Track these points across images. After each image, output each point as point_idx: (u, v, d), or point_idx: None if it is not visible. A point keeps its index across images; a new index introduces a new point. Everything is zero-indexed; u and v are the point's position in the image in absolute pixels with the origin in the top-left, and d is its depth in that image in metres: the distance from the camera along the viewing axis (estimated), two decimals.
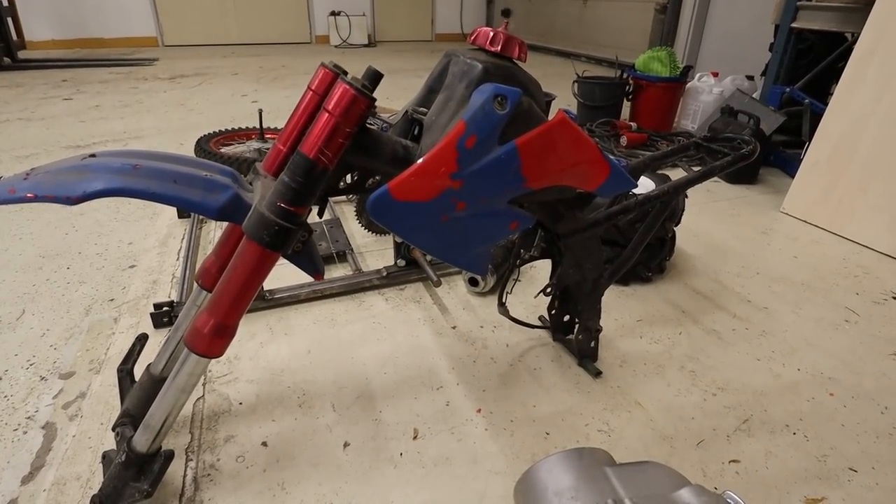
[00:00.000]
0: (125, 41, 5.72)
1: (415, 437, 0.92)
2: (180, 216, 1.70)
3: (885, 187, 1.62)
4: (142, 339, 0.90)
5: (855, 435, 0.95)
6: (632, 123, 2.68)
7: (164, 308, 1.17)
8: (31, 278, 1.35)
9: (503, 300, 1.08)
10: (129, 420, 0.83)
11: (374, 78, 0.64)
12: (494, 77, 0.70)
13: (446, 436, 0.92)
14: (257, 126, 2.20)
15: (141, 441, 0.71)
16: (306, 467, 0.86)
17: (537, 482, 0.65)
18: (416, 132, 0.77)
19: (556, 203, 0.86)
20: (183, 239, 1.57)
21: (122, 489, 0.71)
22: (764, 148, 2.19)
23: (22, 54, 4.41)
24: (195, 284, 0.82)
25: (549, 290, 1.01)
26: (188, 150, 2.20)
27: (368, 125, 0.71)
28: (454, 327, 1.21)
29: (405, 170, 0.69)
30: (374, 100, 0.63)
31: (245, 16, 6.21)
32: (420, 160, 0.64)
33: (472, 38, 0.75)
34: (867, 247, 1.65)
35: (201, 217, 1.65)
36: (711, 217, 1.86)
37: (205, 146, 2.01)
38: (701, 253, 1.60)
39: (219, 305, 0.65)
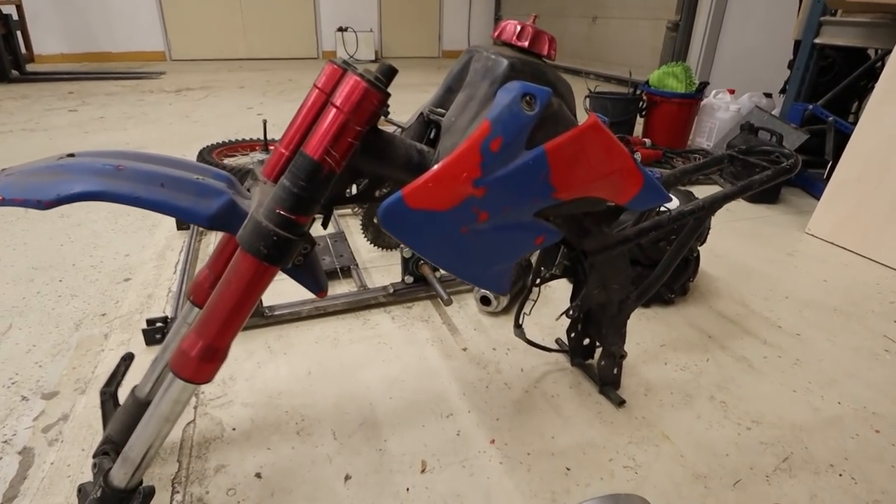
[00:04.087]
0: (133, 55, 5.77)
1: (422, 471, 0.84)
2: (179, 228, 1.64)
3: None
4: (127, 359, 0.82)
5: None
6: (646, 140, 2.62)
7: (158, 324, 1.10)
8: (22, 291, 1.29)
9: (520, 322, 1.00)
10: (111, 447, 0.76)
11: (389, 73, 0.58)
12: (522, 74, 0.64)
13: (457, 469, 0.84)
14: (261, 137, 2.15)
15: (119, 475, 0.63)
16: (303, 503, 0.77)
17: None
18: (432, 135, 0.70)
19: (582, 217, 0.79)
20: (181, 251, 1.50)
21: None
22: None
23: (30, 67, 4.42)
24: (187, 301, 0.75)
25: (571, 311, 0.93)
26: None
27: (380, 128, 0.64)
28: (465, 349, 1.14)
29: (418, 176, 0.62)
30: (389, 95, 0.57)
31: (253, 31, 6.25)
32: (438, 164, 0.58)
33: (497, 32, 0.69)
34: None
35: (202, 229, 1.59)
36: (733, 237, 1.78)
37: (207, 157, 1.96)
38: (724, 274, 1.52)
39: (209, 325, 0.58)
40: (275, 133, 2.41)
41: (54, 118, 3.03)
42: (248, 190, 0.69)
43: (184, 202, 0.57)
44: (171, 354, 0.60)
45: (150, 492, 0.64)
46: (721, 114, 2.72)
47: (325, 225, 0.72)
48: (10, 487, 0.77)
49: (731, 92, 2.76)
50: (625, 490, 0.81)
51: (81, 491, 0.69)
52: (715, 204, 0.90)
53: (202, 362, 0.59)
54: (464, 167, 0.57)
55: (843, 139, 1.87)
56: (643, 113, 2.79)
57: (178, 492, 0.78)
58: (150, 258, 1.47)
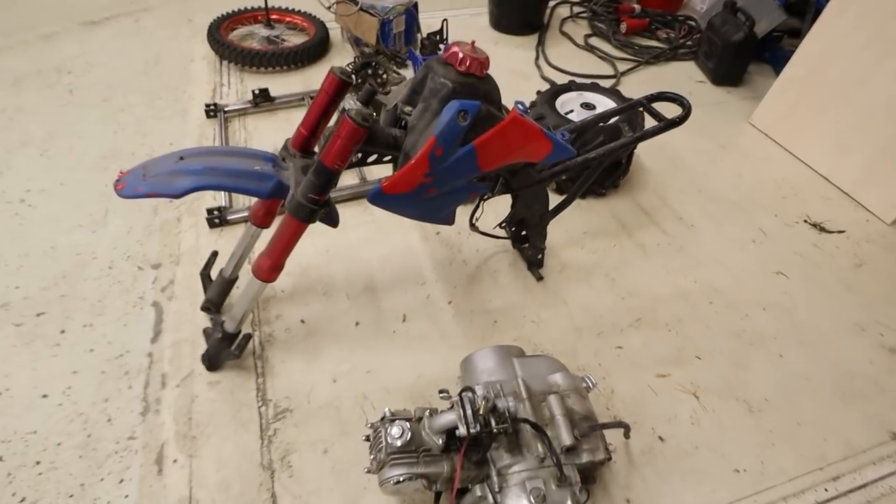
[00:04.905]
0: None
1: (404, 320, 1.33)
2: (208, 116, 1.93)
3: (837, 115, 1.81)
4: (215, 254, 1.27)
5: (713, 334, 1.35)
6: (636, 6, 2.67)
7: (215, 211, 1.52)
8: (102, 178, 1.68)
9: (473, 221, 1.40)
10: (211, 304, 1.25)
11: (369, 99, 0.90)
12: (460, 94, 0.94)
13: (425, 320, 1.34)
14: (261, 6, 2.28)
15: (230, 325, 1.12)
16: (331, 338, 1.28)
17: (473, 362, 1.06)
18: (402, 125, 1.02)
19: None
20: (214, 139, 1.84)
21: (219, 353, 1.14)
22: (760, 43, 2.28)
23: None
24: (248, 223, 1.16)
25: (504, 223, 1.34)
26: (199, 31, 2.32)
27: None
28: (438, 233, 1.56)
29: (395, 152, 0.98)
30: (371, 126, 0.90)
31: None
32: (402, 168, 0.93)
33: (446, 55, 0.97)
34: (810, 166, 1.90)
35: (226, 122, 1.90)
36: (681, 128, 2.06)
37: (217, 36, 2.15)
38: (657, 167, 1.86)
39: (272, 254, 1.00)
40: None
41: None
42: (283, 159, 1.05)
43: (252, 186, 0.95)
44: (253, 266, 1.03)
45: (249, 335, 1.14)
46: None
47: None
48: (155, 326, 1.28)
49: None
50: (526, 336, 1.31)
51: (205, 332, 1.19)
52: (610, 153, 1.23)
53: (270, 272, 1.02)
54: (418, 169, 0.92)
55: None
56: None
57: (257, 330, 1.28)
58: (191, 146, 1.82)
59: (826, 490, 1.10)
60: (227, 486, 1.04)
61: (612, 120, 1.44)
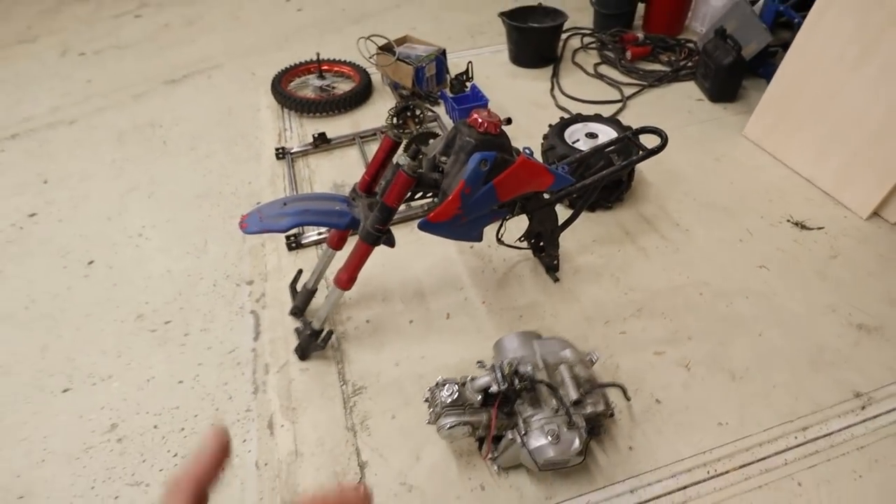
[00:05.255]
0: None
1: (447, 318, 1.67)
2: (277, 158, 2.33)
3: (815, 125, 2.06)
4: (300, 272, 1.64)
5: (702, 319, 1.63)
6: (639, 35, 2.97)
7: (292, 238, 1.90)
8: (198, 214, 2.09)
9: (499, 237, 1.73)
10: (298, 310, 1.61)
11: (415, 155, 1.25)
12: (481, 148, 1.28)
13: (465, 317, 1.67)
14: (312, 59, 2.70)
15: (316, 324, 1.48)
16: (391, 333, 1.63)
17: (503, 344, 1.38)
18: (440, 170, 1.37)
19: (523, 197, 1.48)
20: (284, 178, 2.24)
21: (309, 346, 1.50)
22: (753, 60, 2.53)
23: None
24: (325, 246, 1.52)
25: (522, 238, 1.67)
26: (262, 83, 2.75)
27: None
28: (471, 247, 1.90)
29: (436, 190, 1.33)
30: (418, 176, 1.24)
31: None
32: (441, 204, 1.27)
33: (470, 120, 1.30)
34: (796, 171, 2.15)
35: (292, 162, 2.30)
36: (679, 143, 2.35)
37: (279, 88, 2.56)
38: (658, 181, 2.15)
39: (348, 269, 1.36)
40: (321, 47, 2.87)
41: (128, 29, 3.54)
42: (353, 199, 1.41)
43: (334, 221, 1.31)
44: (334, 279, 1.39)
45: (331, 332, 1.49)
46: (715, 1, 2.98)
47: None
48: (255, 328, 1.66)
49: None
50: (546, 326, 1.62)
51: (297, 331, 1.56)
52: (603, 179, 1.54)
53: (347, 282, 1.38)
54: (453, 205, 1.26)
55: None
56: None
57: (333, 330, 1.64)
58: (266, 185, 2.22)
59: (795, 438, 1.36)
60: (322, 442, 1.38)
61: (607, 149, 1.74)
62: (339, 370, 1.53)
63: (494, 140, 1.31)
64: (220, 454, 0.35)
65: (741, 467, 1.31)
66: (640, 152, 1.56)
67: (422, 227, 1.31)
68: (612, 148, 1.66)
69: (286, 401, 1.47)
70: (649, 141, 1.59)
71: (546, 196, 1.54)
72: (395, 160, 1.31)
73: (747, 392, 1.45)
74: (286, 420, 1.43)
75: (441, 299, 1.72)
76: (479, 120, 1.28)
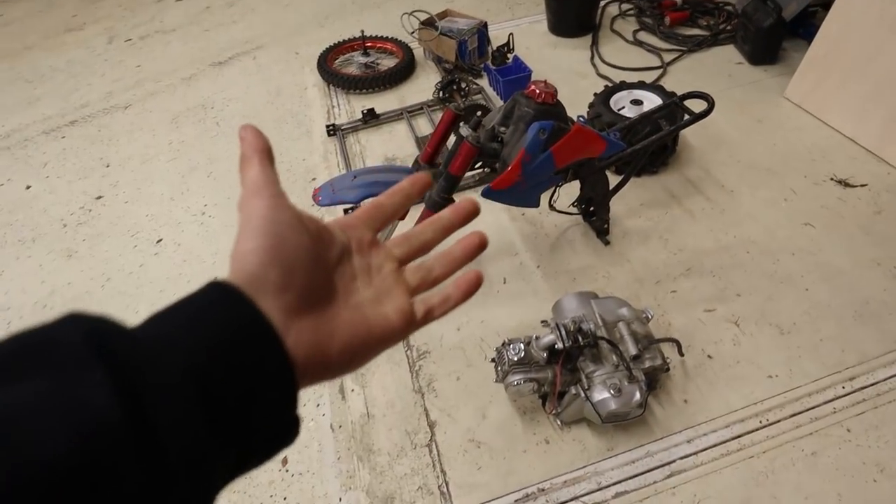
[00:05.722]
0: None
1: (504, 282, 1.77)
2: (329, 135, 2.43)
3: (857, 85, 2.06)
4: None
5: (750, 276, 1.69)
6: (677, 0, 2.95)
7: (350, 208, 2.01)
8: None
9: (552, 203, 1.80)
10: None
11: (476, 126, 1.33)
12: (539, 118, 1.35)
13: (520, 281, 1.76)
14: (356, 37, 2.77)
15: None
16: None
17: (562, 304, 1.47)
18: (499, 140, 1.44)
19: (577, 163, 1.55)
20: (336, 154, 2.34)
21: None
22: (793, 21, 2.51)
23: None
24: None
25: (576, 202, 1.74)
26: (307, 62, 2.84)
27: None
28: (523, 214, 1.98)
29: (496, 160, 1.41)
30: (479, 146, 1.32)
31: None
32: (505, 170, 1.35)
33: (528, 91, 1.37)
34: (838, 131, 2.16)
35: (343, 138, 2.39)
36: (721, 107, 2.33)
37: (325, 66, 2.64)
38: (702, 144, 2.18)
39: None
40: (362, 24, 2.93)
41: (171, 14, 3.65)
42: (417, 170, 1.50)
43: None
44: None
45: None
46: None
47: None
48: None
49: None
50: (599, 287, 1.71)
51: None
52: (652, 144, 1.59)
53: None
54: (514, 172, 1.34)
55: None
56: None
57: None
58: (320, 161, 2.32)
59: (843, 388, 1.44)
60: (392, 404, 1.51)
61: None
62: None
63: (551, 109, 1.38)
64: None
65: (792, 416, 1.39)
66: (687, 116, 1.61)
67: (485, 194, 1.40)
68: (659, 114, 1.71)
69: None
70: (695, 106, 1.64)
71: (598, 162, 1.60)
72: (458, 131, 1.39)
73: (795, 345, 1.52)
74: (356, 385, 1.56)
75: (497, 265, 1.82)
76: (537, 91, 1.35)
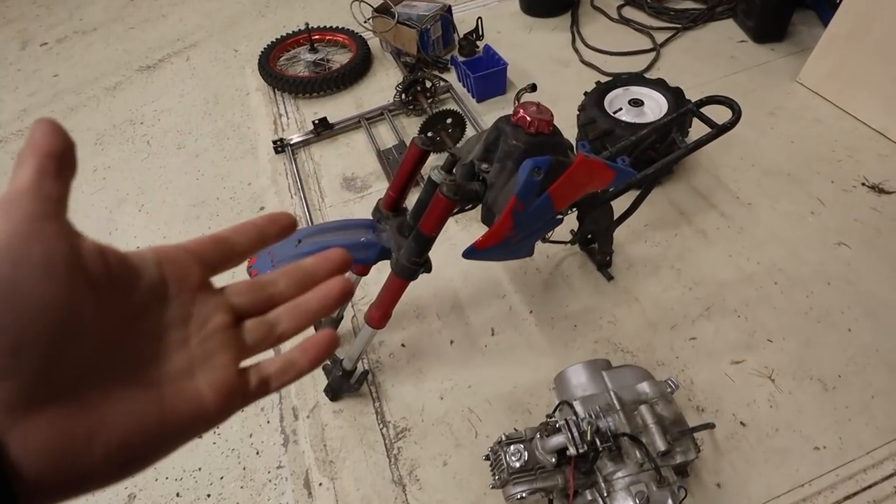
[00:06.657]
0: None
1: (492, 334, 1.48)
2: (276, 152, 2.08)
3: (886, 70, 1.78)
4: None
5: (781, 315, 1.43)
6: None
7: None
8: (196, 226, 1.87)
9: (546, 237, 1.51)
10: None
11: (450, 168, 1.02)
12: (532, 153, 1.04)
13: (512, 332, 1.48)
14: (301, 29, 2.38)
15: (347, 364, 1.29)
16: (431, 358, 1.45)
17: (567, 378, 1.19)
18: (480, 178, 1.13)
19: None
20: (286, 175, 1.99)
21: (341, 387, 1.32)
22: None
23: None
24: (350, 273, 1.31)
25: (572, 241, 1.45)
26: (248, 61, 2.45)
27: None
28: None
29: (477, 202, 1.10)
30: (457, 199, 1.01)
31: None
32: (490, 228, 1.05)
33: (515, 118, 1.06)
34: (864, 123, 1.89)
35: (293, 155, 2.04)
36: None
37: (267, 68, 2.27)
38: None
39: (381, 307, 1.15)
40: (308, 13, 2.54)
41: (92, 10, 3.18)
42: (379, 221, 1.18)
43: (361, 256, 1.10)
44: (365, 316, 1.19)
45: (366, 371, 1.31)
46: None
47: None
48: None
49: None
50: (605, 336, 1.43)
51: (324, 368, 1.37)
52: (666, 166, 1.30)
53: (380, 320, 1.18)
54: (503, 226, 1.04)
55: None
56: None
57: (366, 359, 1.46)
58: (268, 185, 1.98)
59: None
60: (368, 501, 1.23)
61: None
62: (377, 409, 1.37)
63: (546, 141, 1.07)
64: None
65: (846, 499, 1.15)
66: (710, 128, 1.31)
67: (467, 255, 1.10)
68: (671, 124, 1.41)
69: (321, 453, 1.31)
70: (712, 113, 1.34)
71: (602, 193, 1.31)
72: (429, 175, 1.08)
73: (843, 405, 1.27)
74: (324, 477, 1.28)
75: (482, 311, 1.53)
76: (528, 119, 1.04)
